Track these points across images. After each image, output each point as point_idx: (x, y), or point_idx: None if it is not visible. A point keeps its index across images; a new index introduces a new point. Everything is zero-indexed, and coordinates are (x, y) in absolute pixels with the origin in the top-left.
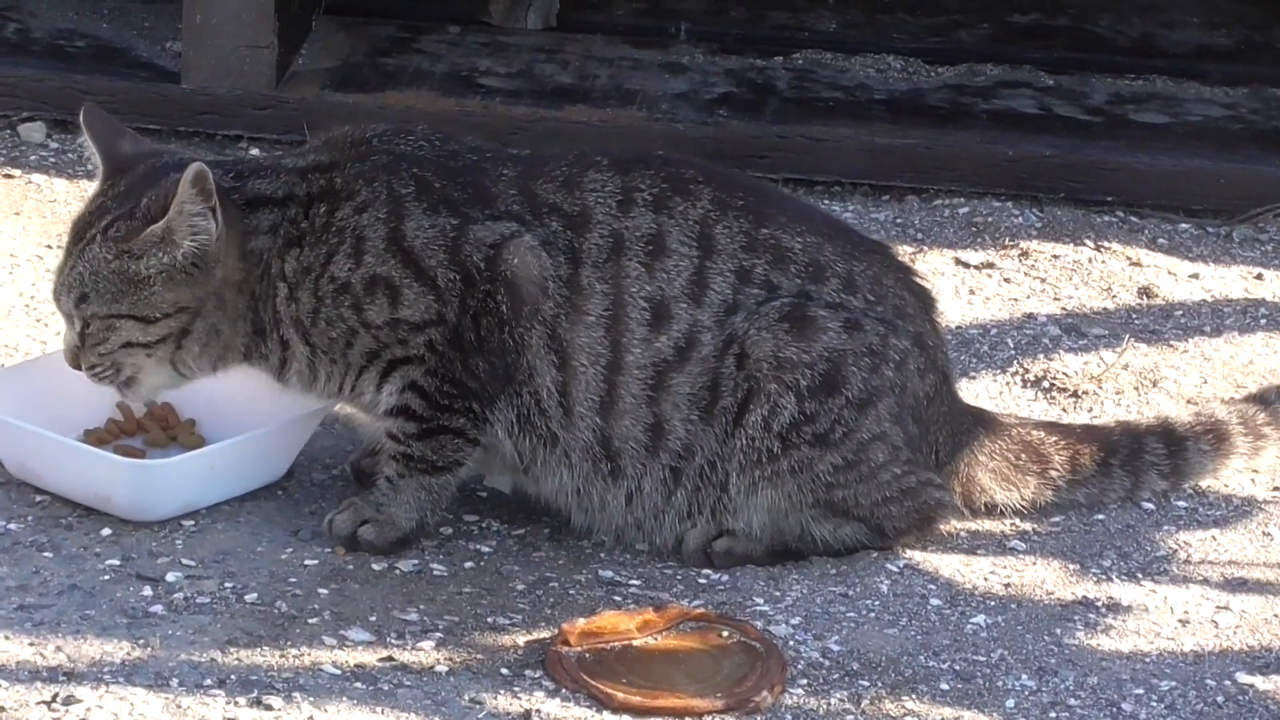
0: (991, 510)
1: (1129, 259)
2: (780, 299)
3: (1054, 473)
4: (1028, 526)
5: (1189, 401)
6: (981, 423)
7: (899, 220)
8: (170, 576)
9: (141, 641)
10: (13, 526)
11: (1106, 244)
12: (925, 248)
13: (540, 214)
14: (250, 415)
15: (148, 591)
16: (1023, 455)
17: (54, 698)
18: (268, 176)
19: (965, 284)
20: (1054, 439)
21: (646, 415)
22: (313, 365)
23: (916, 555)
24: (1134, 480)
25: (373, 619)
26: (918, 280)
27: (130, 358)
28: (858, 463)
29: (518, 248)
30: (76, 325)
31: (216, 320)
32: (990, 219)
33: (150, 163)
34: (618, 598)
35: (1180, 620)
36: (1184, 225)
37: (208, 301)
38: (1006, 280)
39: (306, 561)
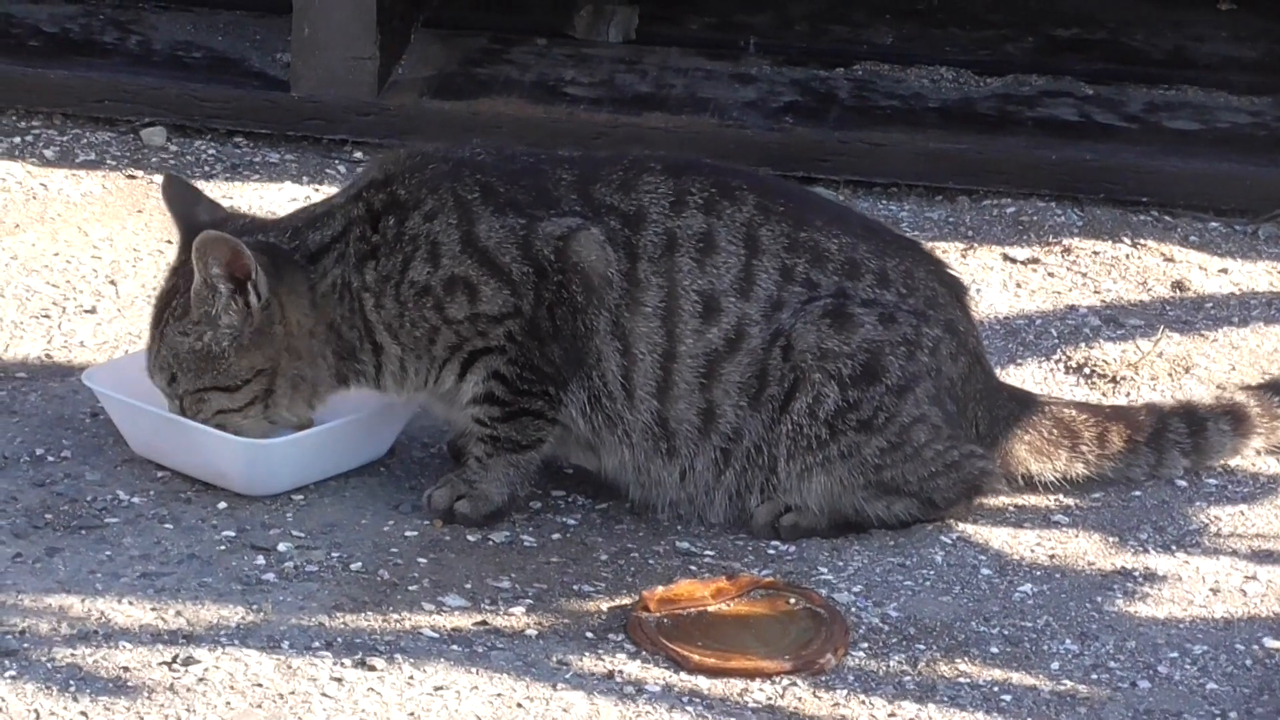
0: (1029, 481)
1: (1163, 255)
2: (823, 299)
3: (1084, 447)
4: (1070, 502)
5: (1219, 387)
6: (1017, 399)
7: (951, 219)
8: (281, 546)
9: (255, 607)
10: (136, 500)
11: (1142, 241)
12: (975, 245)
13: (599, 213)
14: (355, 397)
15: (260, 560)
16: (1054, 430)
17: (174, 659)
18: (322, 223)
19: (1012, 278)
20: (1084, 417)
21: (699, 400)
22: (403, 364)
23: (968, 528)
24: (1158, 457)
25: (468, 586)
26: (949, 272)
27: (228, 421)
28: (902, 444)
29: (586, 239)
30: (175, 401)
31: (297, 370)
32: (1035, 218)
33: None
34: (693, 567)
35: (1211, 589)
36: (1214, 224)
37: (280, 357)
38: (1050, 275)
39: (407, 533)
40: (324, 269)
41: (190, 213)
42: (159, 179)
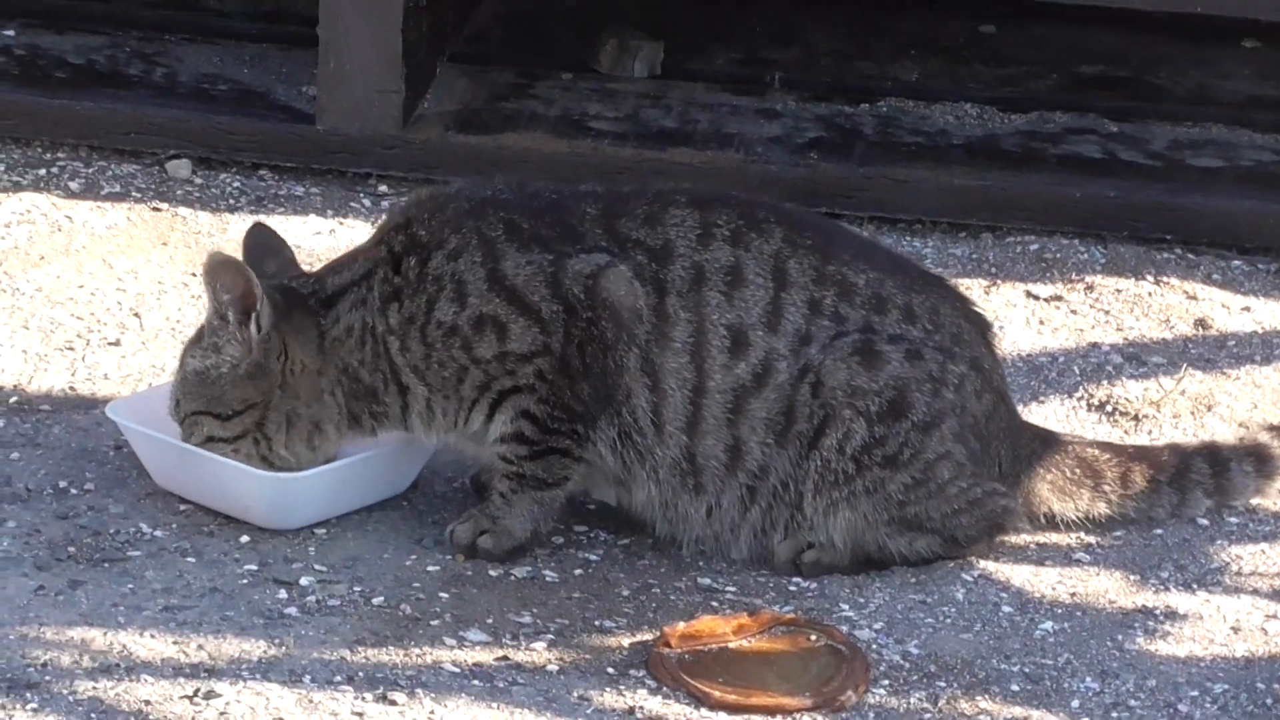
0: (1050, 520)
1: (1186, 293)
2: (851, 334)
3: (1106, 487)
4: (1092, 540)
5: (1240, 425)
6: (1041, 439)
7: (975, 256)
8: (304, 580)
9: (277, 641)
10: (159, 533)
11: (1165, 279)
12: (999, 281)
13: (626, 248)
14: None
15: (283, 594)
16: (1078, 469)
17: (196, 693)
18: (344, 268)
19: (1035, 315)
20: (1107, 456)
21: (726, 436)
22: (430, 404)
23: (989, 566)
24: (1181, 497)
25: (490, 621)
26: (974, 309)
27: (220, 452)
28: (926, 480)
29: (615, 276)
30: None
31: (292, 407)
32: (1059, 255)
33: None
34: (715, 603)
35: (1232, 628)
36: (1236, 262)
37: (274, 394)
38: (1073, 312)
39: (429, 567)
40: (337, 314)
41: (259, 264)
42: (184, 211)
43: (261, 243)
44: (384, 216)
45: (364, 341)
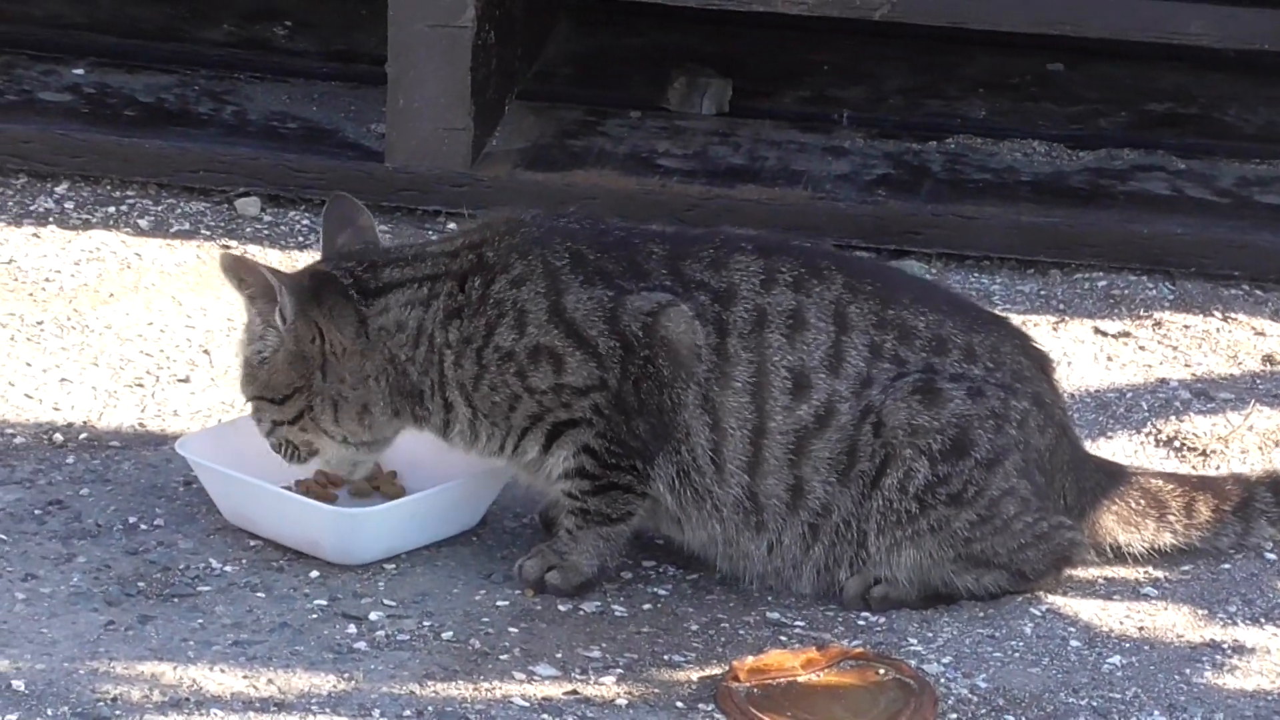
0: (1117, 552)
1: (1254, 329)
2: (911, 374)
3: (1171, 517)
4: (1159, 574)
5: None
6: (1104, 470)
7: (1043, 292)
8: (373, 615)
9: (346, 675)
10: (229, 569)
11: (1233, 315)
12: (1067, 318)
13: (689, 288)
14: (447, 467)
15: (352, 629)
16: (1142, 500)
17: None
18: (406, 263)
19: (1104, 351)
20: (1171, 487)
21: (788, 476)
22: (474, 425)
23: (1057, 600)
24: (1245, 526)
25: (559, 656)
26: (1034, 345)
27: (288, 435)
28: (991, 517)
29: (675, 315)
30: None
31: (337, 390)
32: (1127, 291)
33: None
34: (783, 638)
35: None
36: None
37: (314, 376)
38: (1141, 348)
39: (498, 602)
40: (385, 304)
41: (332, 238)
42: (253, 249)
43: (339, 215)
44: (477, 223)
45: (418, 342)
